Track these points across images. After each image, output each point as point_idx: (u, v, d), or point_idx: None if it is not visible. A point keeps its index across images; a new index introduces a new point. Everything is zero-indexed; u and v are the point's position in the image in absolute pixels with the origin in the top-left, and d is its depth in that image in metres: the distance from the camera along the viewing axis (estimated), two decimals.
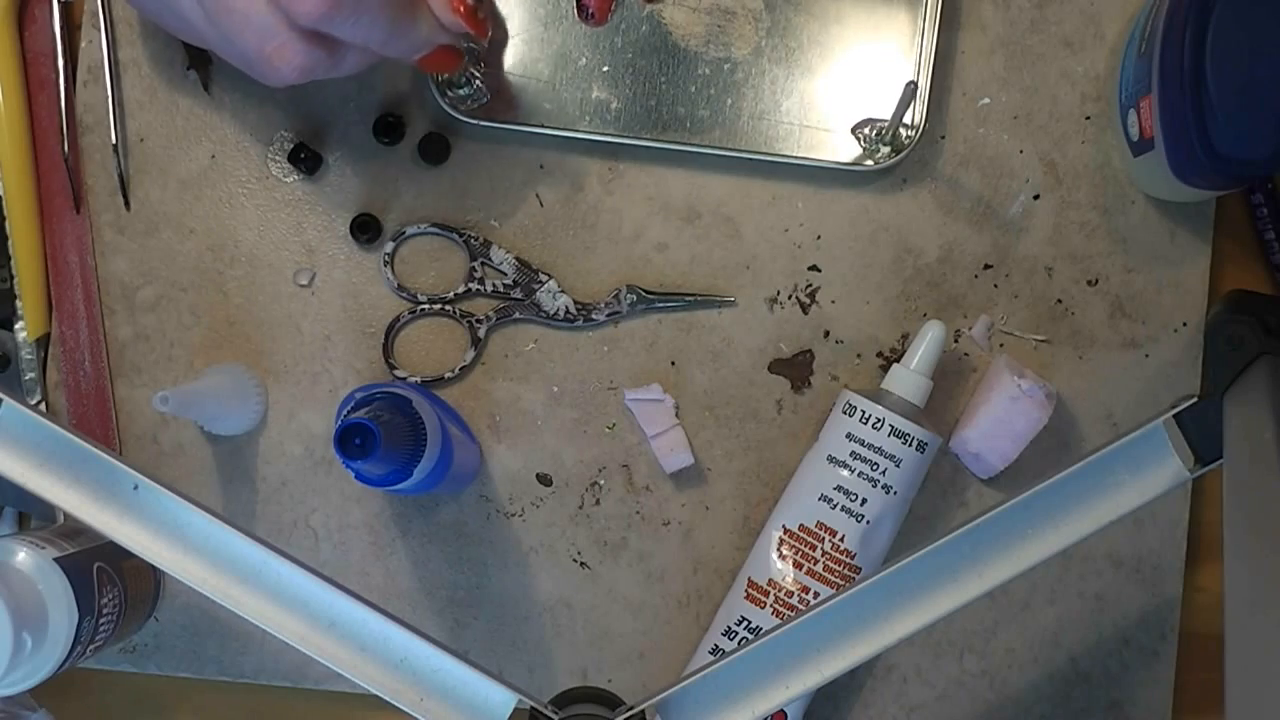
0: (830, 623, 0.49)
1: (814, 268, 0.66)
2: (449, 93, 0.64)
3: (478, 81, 0.64)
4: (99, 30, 0.66)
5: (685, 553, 0.66)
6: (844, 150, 0.64)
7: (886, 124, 0.63)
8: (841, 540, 0.61)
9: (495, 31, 0.64)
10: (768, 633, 0.48)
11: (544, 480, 0.66)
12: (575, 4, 0.59)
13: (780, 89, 0.64)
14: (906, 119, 0.63)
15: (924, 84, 0.63)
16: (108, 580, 0.60)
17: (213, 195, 0.66)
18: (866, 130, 0.64)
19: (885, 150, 0.64)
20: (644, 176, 0.65)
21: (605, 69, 0.64)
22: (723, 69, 0.64)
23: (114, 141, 0.66)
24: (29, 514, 0.66)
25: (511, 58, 0.64)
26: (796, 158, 0.64)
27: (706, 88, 0.64)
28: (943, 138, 0.65)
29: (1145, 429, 0.50)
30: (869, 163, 0.64)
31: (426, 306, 0.66)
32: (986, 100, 0.65)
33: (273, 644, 0.65)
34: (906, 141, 0.63)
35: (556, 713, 0.48)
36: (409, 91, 0.66)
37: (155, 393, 0.56)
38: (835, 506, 0.61)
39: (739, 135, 0.64)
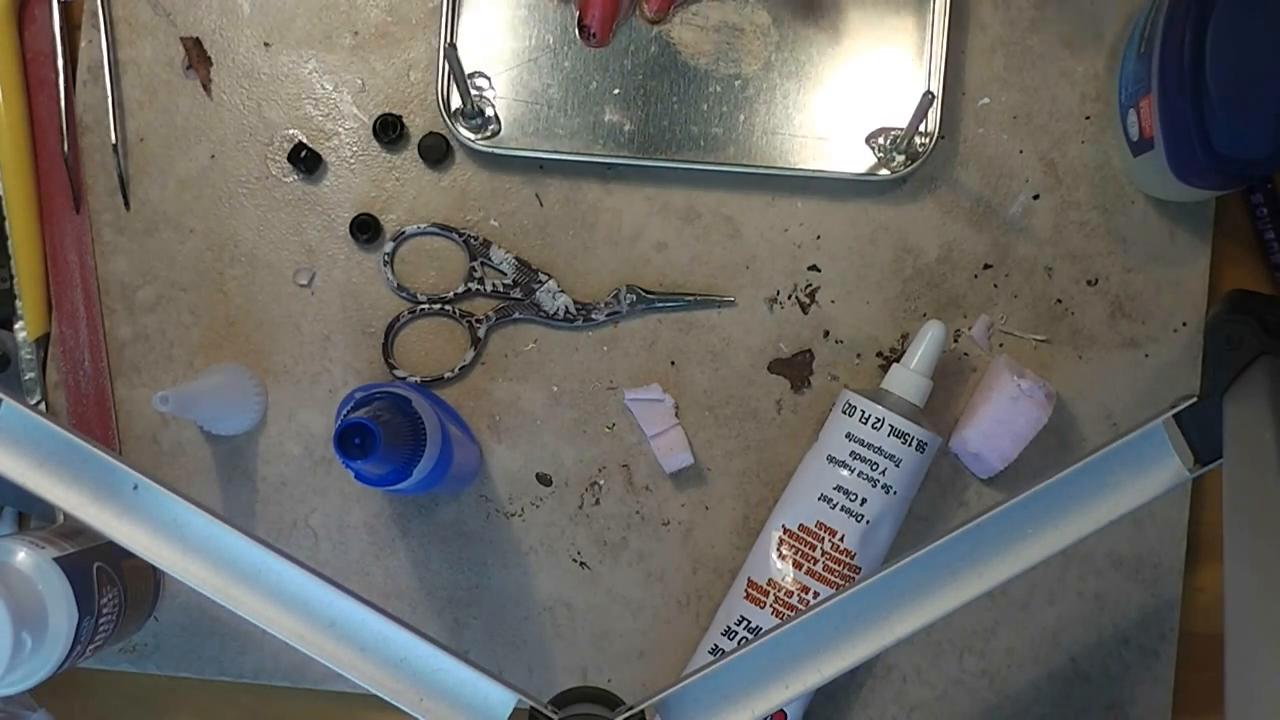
0: (830, 623, 0.49)
1: (814, 268, 0.66)
2: (462, 122, 0.64)
3: (490, 110, 0.64)
4: (99, 30, 0.66)
5: (685, 553, 0.66)
6: (857, 160, 0.64)
7: (901, 133, 0.63)
8: (841, 540, 0.61)
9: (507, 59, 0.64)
10: (768, 633, 0.48)
11: (544, 480, 0.66)
12: (576, 25, 0.59)
13: (792, 103, 0.64)
14: (921, 126, 0.63)
15: (938, 91, 0.63)
16: (108, 580, 0.60)
17: (212, 195, 0.66)
18: (881, 140, 0.64)
19: (900, 159, 0.64)
20: (653, 187, 0.65)
21: (617, 91, 0.64)
22: (734, 85, 0.64)
23: (114, 141, 0.66)
24: (29, 514, 0.66)
25: (523, 84, 0.64)
26: (813, 171, 0.64)
27: (719, 105, 0.64)
28: (943, 138, 0.65)
29: (1145, 429, 0.50)
30: (884, 172, 0.64)
31: (426, 306, 0.66)
32: (986, 100, 0.65)
33: (273, 644, 0.65)
34: (921, 149, 0.63)
35: (556, 713, 0.48)
36: (409, 91, 0.66)
37: (155, 393, 0.56)
38: (835, 506, 0.61)
39: (753, 151, 0.64)
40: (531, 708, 0.47)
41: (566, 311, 0.65)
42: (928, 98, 0.58)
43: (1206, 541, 0.66)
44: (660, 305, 0.65)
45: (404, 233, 0.65)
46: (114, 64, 0.66)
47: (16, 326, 0.66)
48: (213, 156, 0.66)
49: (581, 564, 0.66)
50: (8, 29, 0.65)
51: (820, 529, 0.61)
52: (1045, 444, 0.63)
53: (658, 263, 0.66)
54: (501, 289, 0.65)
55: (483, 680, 0.47)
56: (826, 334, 0.66)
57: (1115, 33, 0.65)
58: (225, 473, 0.66)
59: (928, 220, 0.65)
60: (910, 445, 0.61)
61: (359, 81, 0.66)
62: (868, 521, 0.61)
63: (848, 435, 0.61)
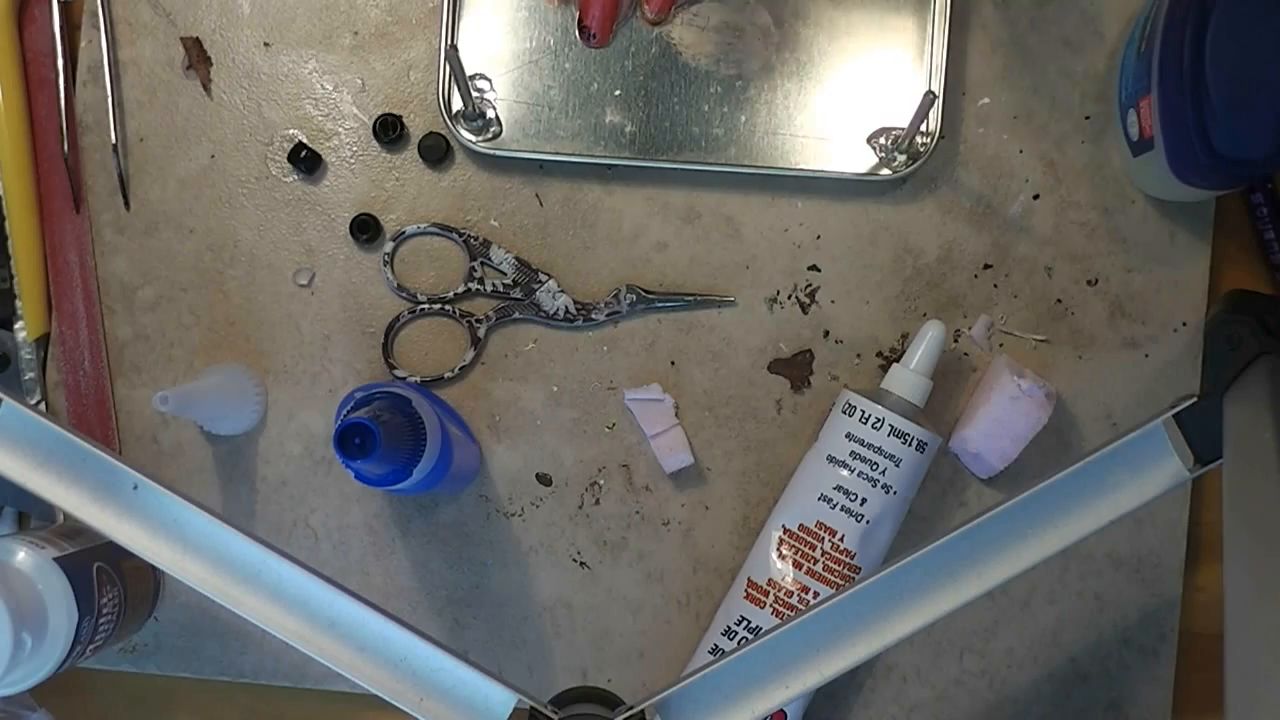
0: (830, 623, 0.48)
1: (814, 268, 0.66)
2: (464, 124, 0.64)
3: (491, 112, 0.64)
4: (99, 30, 0.66)
5: (685, 553, 0.66)
6: (858, 160, 0.64)
7: (903, 133, 0.63)
8: (841, 540, 0.61)
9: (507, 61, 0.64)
10: (768, 633, 0.48)
11: (544, 480, 0.66)
12: (577, 26, 0.59)
13: (793, 103, 0.64)
14: (921, 126, 0.62)
15: (938, 91, 0.63)
16: (108, 580, 0.60)
17: (212, 195, 0.66)
18: (882, 140, 0.64)
19: (901, 159, 0.64)
20: (653, 187, 0.66)
21: (618, 93, 0.64)
22: (734, 86, 0.64)
23: (114, 141, 0.66)
24: (29, 514, 0.66)
25: (524, 85, 0.64)
26: (814, 171, 0.64)
27: (719, 106, 0.64)
28: (943, 138, 0.65)
29: (1145, 429, 0.50)
30: (885, 172, 0.64)
31: (426, 306, 0.66)
32: (986, 100, 0.65)
33: (273, 644, 0.66)
34: (922, 149, 0.63)
35: (556, 712, 0.48)
36: (410, 91, 0.66)
37: (155, 393, 0.56)
38: (835, 506, 0.61)
39: (754, 151, 0.64)
40: (531, 708, 0.47)
41: (566, 311, 0.65)
42: (929, 98, 0.58)
43: (1206, 541, 0.66)
44: (660, 305, 0.65)
45: (404, 233, 0.65)
46: (114, 64, 0.66)
47: (16, 326, 0.66)
48: (213, 156, 0.66)
49: (581, 564, 0.66)
50: (8, 29, 0.65)
51: (820, 529, 0.61)
52: (1045, 444, 0.63)
53: (658, 263, 0.66)
54: (501, 289, 0.65)
55: (483, 680, 0.47)
56: (826, 334, 0.66)
57: (1115, 33, 0.65)
58: (225, 473, 0.66)
59: (928, 220, 0.65)
60: (910, 445, 0.61)
61: (359, 81, 0.66)
62: (868, 521, 0.61)
63: (848, 435, 0.61)
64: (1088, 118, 0.65)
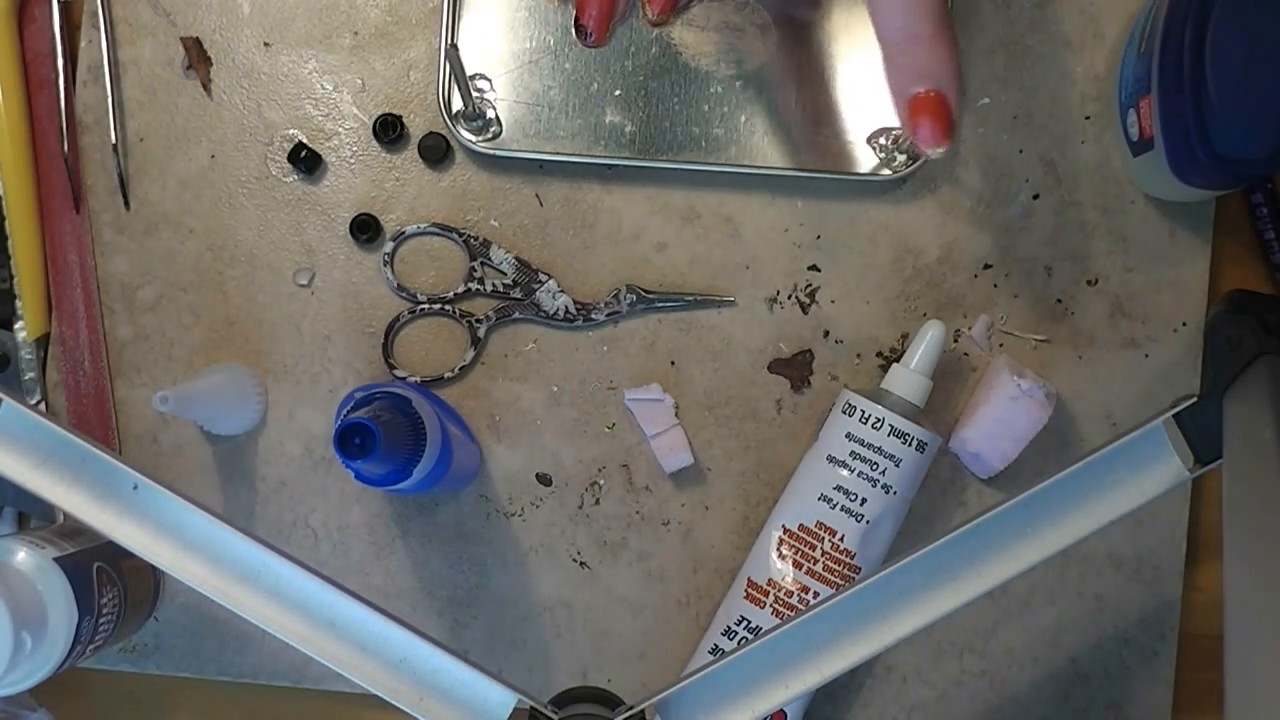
0: (830, 623, 0.49)
1: (814, 267, 0.66)
2: (464, 124, 0.64)
3: (491, 112, 0.64)
4: (99, 30, 0.66)
5: (685, 553, 0.66)
6: (858, 160, 0.64)
7: (903, 133, 0.62)
8: (841, 540, 0.61)
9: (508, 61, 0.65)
10: (767, 633, 0.48)
11: (544, 480, 0.66)
12: (573, 25, 0.59)
13: (793, 103, 0.64)
14: None
15: None
16: (108, 580, 0.60)
17: (212, 195, 0.66)
18: (882, 139, 0.64)
19: (901, 159, 0.64)
20: (653, 187, 0.65)
21: (618, 93, 0.64)
22: (735, 86, 0.64)
23: (114, 141, 0.66)
24: (29, 514, 0.66)
25: (524, 85, 0.64)
26: (814, 171, 0.64)
27: (719, 106, 0.64)
28: None
29: (1145, 429, 0.50)
30: (885, 171, 0.64)
31: (426, 306, 0.66)
32: (986, 100, 0.65)
33: (272, 644, 0.66)
34: None
35: (556, 712, 0.48)
36: (410, 91, 0.66)
37: (155, 393, 0.56)
38: (835, 506, 0.61)
39: (754, 151, 0.64)
40: (531, 708, 0.47)
41: (566, 311, 0.65)
42: None
43: (1206, 541, 0.66)
44: (660, 305, 0.65)
45: (404, 233, 0.65)
46: (114, 64, 0.66)
47: (16, 326, 0.66)
48: (213, 156, 0.66)
49: (581, 564, 0.66)
50: (8, 29, 0.65)
51: (820, 529, 0.61)
52: (1045, 444, 0.63)
53: (658, 263, 0.66)
54: (501, 289, 0.65)
55: (483, 680, 0.47)
56: (826, 334, 0.66)
57: (1115, 33, 0.65)
58: (225, 473, 0.66)
59: (928, 220, 0.65)
60: (910, 445, 0.61)
61: (359, 81, 0.66)
62: (868, 521, 0.61)
63: (848, 435, 0.61)
64: (1088, 118, 0.65)
